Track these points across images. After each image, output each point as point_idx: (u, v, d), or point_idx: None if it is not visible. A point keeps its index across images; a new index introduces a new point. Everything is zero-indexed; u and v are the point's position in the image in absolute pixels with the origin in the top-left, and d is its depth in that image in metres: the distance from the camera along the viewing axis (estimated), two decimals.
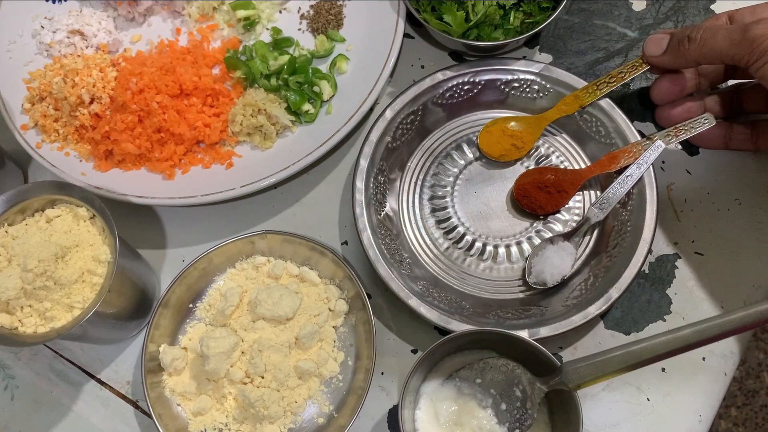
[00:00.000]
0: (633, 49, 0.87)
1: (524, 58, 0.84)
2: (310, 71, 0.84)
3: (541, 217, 0.80)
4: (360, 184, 0.78)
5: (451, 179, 0.82)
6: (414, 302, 0.72)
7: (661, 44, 0.73)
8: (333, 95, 0.83)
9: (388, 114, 0.80)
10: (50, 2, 0.91)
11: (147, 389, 0.71)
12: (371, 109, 0.84)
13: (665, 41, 0.72)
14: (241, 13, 0.86)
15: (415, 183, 0.83)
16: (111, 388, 0.77)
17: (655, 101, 0.78)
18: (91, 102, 0.80)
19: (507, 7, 0.81)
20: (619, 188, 0.76)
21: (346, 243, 0.82)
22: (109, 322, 0.71)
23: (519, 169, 0.82)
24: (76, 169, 0.80)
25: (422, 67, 0.88)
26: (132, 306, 0.74)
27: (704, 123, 0.76)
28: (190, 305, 0.78)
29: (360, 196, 0.77)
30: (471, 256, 0.79)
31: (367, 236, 0.75)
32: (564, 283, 0.76)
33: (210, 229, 0.83)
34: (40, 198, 0.69)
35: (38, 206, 0.70)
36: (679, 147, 0.82)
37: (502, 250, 0.79)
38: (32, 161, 0.87)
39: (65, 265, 0.64)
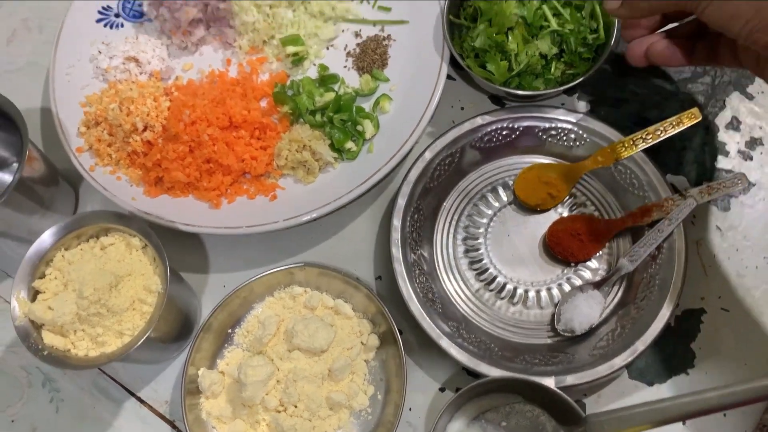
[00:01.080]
0: (669, 101, 0.89)
1: (562, 105, 0.86)
2: (354, 109, 0.87)
3: (572, 264, 0.82)
4: (397, 222, 0.80)
5: (485, 221, 0.85)
6: (445, 343, 0.75)
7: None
8: (375, 134, 0.86)
9: (428, 155, 0.83)
10: (108, 28, 0.95)
11: (185, 411, 0.74)
12: (411, 149, 0.86)
13: None
14: (291, 49, 0.90)
15: (450, 223, 0.85)
16: (150, 407, 0.80)
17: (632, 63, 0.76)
18: (144, 129, 0.84)
19: (549, 58, 0.83)
20: (650, 242, 0.78)
21: (380, 278, 0.84)
22: (154, 346, 0.75)
23: (553, 215, 0.84)
24: (127, 194, 0.83)
25: (462, 108, 0.91)
26: (176, 330, 0.77)
27: (737, 183, 0.78)
28: (229, 330, 0.82)
29: (396, 235, 0.80)
30: (501, 298, 0.81)
31: (402, 274, 0.78)
32: (591, 331, 0.78)
33: (251, 257, 0.86)
34: (96, 226, 0.72)
35: (93, 232, 0.74)
36: (711, 203, 0.84)
37: (532, 295, 0.81)
38: (84, 181, 0.91)
39: (118, 294, 0.68)
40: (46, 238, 0.70)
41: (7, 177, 0.88)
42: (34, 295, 0.70)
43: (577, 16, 0.81)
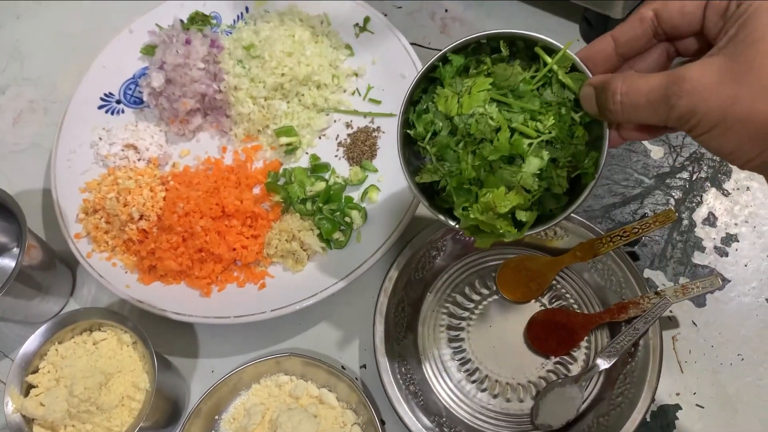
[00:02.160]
0: (649, 196, 0.92)
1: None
2: (344, 200, 0.90)
3: (550, 358, 0.84)
4: (380, 316, 0.83)
5: (467, 313, 0.87)
6: None
7: (591, 101, 0.57)
8: (362, 225, 0.89)
9: (410, 249, 0.86)
10: (109, 114, 0.99)
11: None
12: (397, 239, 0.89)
13: (593, 101, 0.57)
14: (284, 140, 0.93)
15: (433, 313, 0.88)
16: None
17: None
18: (140, 219, 0.87)
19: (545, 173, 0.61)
20: (625, 339, 0.80)
21: (365, 366, 0.87)
22: None
23: (534, 307, 0.87)
24: (121, 281, 0.86)
25: None
26: (165, 417, 0.80)
27: (711, 284, 0.80)
28: (216, 417, 0.84)
29: (380, 327, 0.82)
30: (483, 390, 0.84)
31: (385, 369, 0.80)
32: (568, 426, 0.80)
33: (240, 343, 0.89)
34: (90, 321, 0.75)
35: (86, 326, 0.76)
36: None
37: (512, 387, 0.83)
38: (80, 264, 0.94)
39: (107, 391, 0.70)
40: (40, 333, 0.73)
41: (6, 262, 0.91)
42: (27, 388, 0.73)
43: (553, 109, 0.61)
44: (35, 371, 0.74)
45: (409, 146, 0.68)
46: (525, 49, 0.63)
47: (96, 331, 0.76)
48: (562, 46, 0.59)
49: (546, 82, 0.61)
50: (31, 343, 0.73)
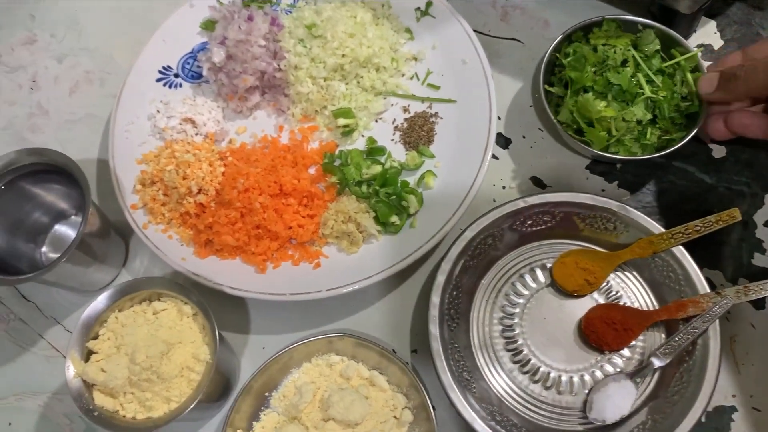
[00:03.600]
0: (708, 194, 0.90)
1: (603, 191, 0.88)
2: (399, 184, 0.90)
3: (606, 352, 0.83)
4: (435, 299, 0.82)
5: (522, 302, 0.87)
6: (479, 426, 0.76)
7: (711, 83, 0.80)
8: (419, 210, 0.88)
9: (468, 234, 0.85)
10: (167, 87, 0.99)
11: None
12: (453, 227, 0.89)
13: (715, 79, 0.80)
14: (342, 121, 0.93)
15: (487, 301, 0.87)
16: None
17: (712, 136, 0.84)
18: (198, 192, 0.87)
19: (644, 123, 0.86)
20: (683, 338, 0.79)
21: (415, 351, 0.86)
22: (197, 409, 0.77)
23: (588, 302, 0.86)
24: (177, 254, 0.87)
25: (503, 188, 0.94)
26: (218, 392, 0.80)
27: None
28: (267, 394, 0.84)
29: (434, 311, 0.82)
30: (535, 382, 0.83)
31: (438, 352, 0.80)
32: (622, 421, 0.79)
33: (290, 321, 0.89)
34: (150, 290, 0.75)
35: (146, 295, 0.77)
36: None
37: (565, 379, 0.83)
38: (134, 235, 0.94)
39: (168, 361, 0.70)
40: (102, 300, 0.74)
41: (63, 229, 0.92)
42: (87, 354, 0.73)
43: (669, 83, 0.85)
44: (95, 337, 0.74)
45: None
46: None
47: (155, 301, 0.76)
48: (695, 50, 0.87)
49: (673, 70, 0.88)
50: (93, 309, 0.73)
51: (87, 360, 0.73)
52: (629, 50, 0.88)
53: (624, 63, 0.87)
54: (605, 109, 0.84)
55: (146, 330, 0.72)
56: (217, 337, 0.70)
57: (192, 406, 0.68)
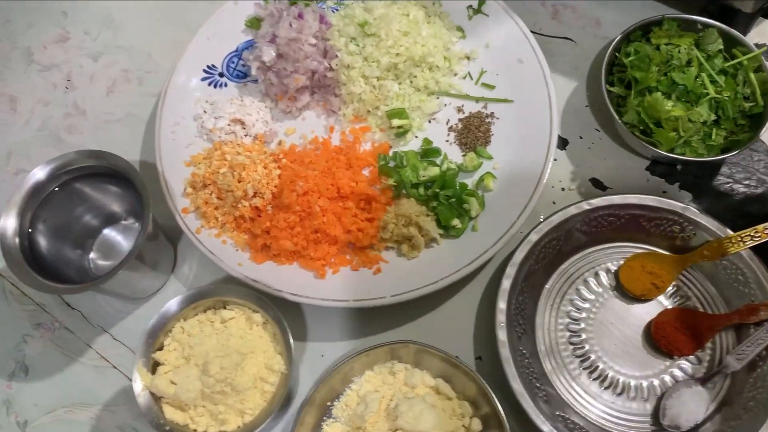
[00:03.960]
0: None
1: (664, 193, 0.87)
2: (458, 186, 0.87)
3: (675, 357, 0.82)
4: (502, 304, 0.80)
5: (587, 306, 0.85)
6: (547, 429, 0.74)
7: None
8: (480, 213, 0.86)
9: (533, 237, 0.83)
10: (212, 87, 0.96)
11: None
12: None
13: None
14: (396, 122, 0.91)
15: (552, 306, 0.85)
16: None
17: None
18: (254, 196, 0.85)
19: (708, 124, 0.84)
20: (757, 342, 0.78)
21: (480, 358, 0.84)
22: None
23: (655, 306, 0.84)
24: (233, 259, 0.84)
25: (562, 189, 0.92)
26: (282, 403, 0.77)
27: None
28: (329, 403, 0.81)
29: (502, 317, 0.80)
30: (605, 388, 0.81)
31: (507, 358, 0.78)
32: (695, 428, 0.78)
33: (348, 327, 0.86)
34: (216, 298, 0.72)
35: (210, 304, 0.74)
36: None
37: (634, 385, 0.81)
38: (181, 238, 0.92)
39: (242, 372, 0.68)
40: (171, 308, 0.71)
41: (113, 234, 0.89)
42: (153, 366, 0.70)
43: (732, 83, 0.84)
44: (160, 348, 0.71)
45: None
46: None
47: (221, 309, 0.73)
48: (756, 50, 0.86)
49: (735, 70, 0.86)
50: (160, 318, 0.70)
51: (153, 372, 0.70)
52: (693, 50, 0.86)
53: (688, 63, 0.86)
54: (674, 108, 0.82)
55: (216, 340, 0.69)
56: (292, 347, 0.67)
57: (269, 419, 0.65)
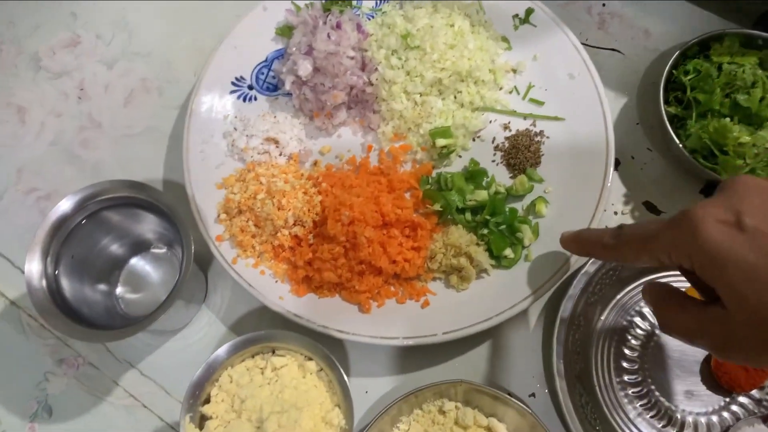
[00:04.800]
0: None
1: None
2: (508, 212, 0.83)
3: (735, 393, 0.79)
4: (559, 339, 0.77)
5: (644, 339, 0.81)
6: None
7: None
8: (533, 241, 0.82)
9: (590, 269, 0.79)
10: (241, 101, 0.90)
11: None
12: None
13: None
14: (441, 142, 0.85)
15: (607, 339, 0.81)
16: None
17: None
18: (294, 224, 0.79)
19: None
20: None
21: (533, 395, 0.80)
22: None
23: None
24: (273, 292, 0.78)
25: (615, 213, 0.87)
26: None
27: None
28: None
29: (559, 352, 0.76)
30: (664, 426, 0.78)
31: (564, 393, 0.74)
32: None
33: (394, 363, 0.82)
34: (266, 344, 0.67)
35: (258, 349, 0.69)
36: None
37: (692, 421, 0.78)
38: (213, 263, 0.86)
39: (299, 428, 0.63)
40: (218, 358, 0.65)
41: (141, 264, 0.83)
42: (199, 420, 0.65)
43: None
44: (207, 400, 0.66)
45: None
46: None
47: (270, 354, 0.68)
48: None
49: None
50: (207, 368, 0.65)
51: (201, 427, 0.65)
52: (757, 70, 0.82)
53: (753, 83, 0.81)
54: (741, 134, 0.78)
55: (268, 391, 0.64)
56: (351, 399, 0.63)
57: None
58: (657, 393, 0.79)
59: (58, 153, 0.93)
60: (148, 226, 0.80)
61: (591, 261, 0.79)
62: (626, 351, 0.81)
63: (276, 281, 0.80)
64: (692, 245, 0.50)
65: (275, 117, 0.87)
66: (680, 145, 0.81)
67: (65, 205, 0.71)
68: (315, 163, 0.88)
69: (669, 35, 0.94)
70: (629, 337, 0.81)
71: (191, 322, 0.83)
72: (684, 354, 0.81)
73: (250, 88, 0.90)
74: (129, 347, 0.83)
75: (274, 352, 0.69)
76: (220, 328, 0.83)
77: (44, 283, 0.67)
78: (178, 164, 0.84)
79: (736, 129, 0.79)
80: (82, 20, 1.00)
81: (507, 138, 0.88)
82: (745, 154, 0.79)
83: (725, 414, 0.79)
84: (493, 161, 0.88)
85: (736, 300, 0.48)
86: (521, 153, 0.86)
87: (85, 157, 0.92)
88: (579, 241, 0.68)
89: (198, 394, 0.65)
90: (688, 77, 0.84)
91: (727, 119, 0.79)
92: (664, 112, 0.83)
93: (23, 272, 0.68)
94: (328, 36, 0.84)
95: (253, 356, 0.69)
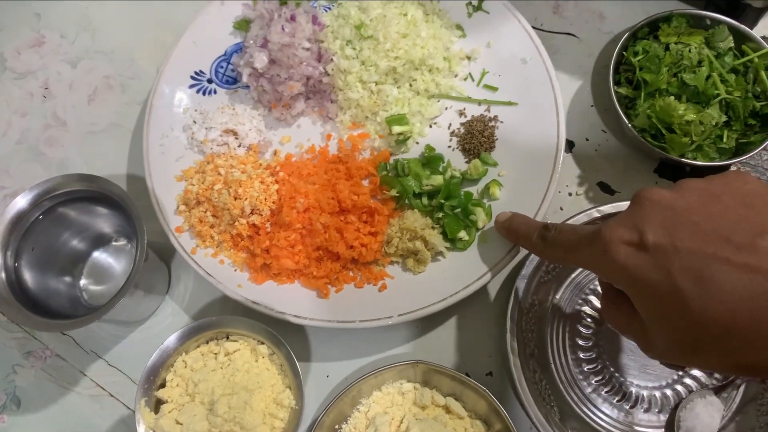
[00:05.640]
0: None
1: None
2: (463, 195, 0.84)
3: (687, 366, 0.80)
4: (513, 318, 0.78)
5: (599, 318, 0.83)
6: None
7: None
8: (487, 223, 0.83)
9: None
10: (201, 94, 0.91)
11: None
12: None
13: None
14: (397, 129, 0.87)
15: (562, 318, 0.83)
16: None
17: None
18: (251, 213, 0.81)
19: (719, 127, 0.82)
20: None
21: (490, 374, 0.82)
22: None
23: None
24: (232, 281, 0.80)
25: (569, 194, 0.89)
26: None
27: None
28: (336, 426, 0.79)
29: (512, 331, 0.78)
30: (618, 401, 0.80)
31: (518, 371, 0.76)
32: None
33: (353, 346, 0.84)
34: (221, 329, 0.69)
35: (212, 334, 0.70)
36: None
37: (646, 395, 0.80)
38: (175, 257, 0.88)
39: (251, 410, 0.65)
40: (171, 343, 0.67)
41: (103, 256, 0.85)
42: (155, 404, 0.67)
43: (742, 82, 0.81)
44: (163, 385, 0.67)
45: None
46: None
47: (224, 340, 0.69)
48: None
49: (745, 68, 0.84)
50: (160, 354, 0.67)
51: (156, 410, 0.66)
52: (704, 49, 0.83)
53: (699, 62, 0.83)
54: (686, 112, 0.80)
55: (221, 375, 0.66)
56: (301, 380, 0.65)
57: None
58: (612, 369, 0.81)
59: (24, 151, 0.94)
60: (108, 220, 0.81)
61: None
62: (581, 329, 0.82)
63: (235, 270, 0.82)
64: (604, 265, 0.53)
65: (234, 109, 0.89)
66: (630, 125, 0.83)
67: (21, 202, 0.72)
68: (275, 153, 0.89)
69: (623, 18, 0.95)
70: (584, 316, 0.83)
71: (155, 313, 0.85)
72: None
73: (210, 81, 0.92)
74: (96, 338, 0.84)
75: (228, 338, 0.70)
76: (183, 317, 0.84)
77: (3, 275, 0.69)
78: (141, 159, 0.86)
79: (682, 107, 0.80)
80: (46, 20, 1.01)
81: (462, 124, 0.90)
82: (691, 132, 0.80)
83: (678, 387, 0.80)
84: (449, 147, 0.89)
85: (646, 315, 0.51)
86: (476, 138, 0.88)
87: (51, 155, 0.94)
88: (509, 230, 0.72)
89: (153, 379, 0.66)
90: (637, 58, 0.85)
91: (672, 97, 0.80)
92: (614, 93, 0.84)
93: None
94: (282, 28, 0.86)
95: (207, 342, 0.70)
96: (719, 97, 0.81)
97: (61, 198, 0.73)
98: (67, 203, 0.75)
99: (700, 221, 0.49)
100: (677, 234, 0.49)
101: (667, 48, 0.84)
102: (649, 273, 0.50)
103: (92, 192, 0.72)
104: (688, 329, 0.48)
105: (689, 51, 0.83)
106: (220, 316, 0.67)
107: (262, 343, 0.68)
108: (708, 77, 0.81)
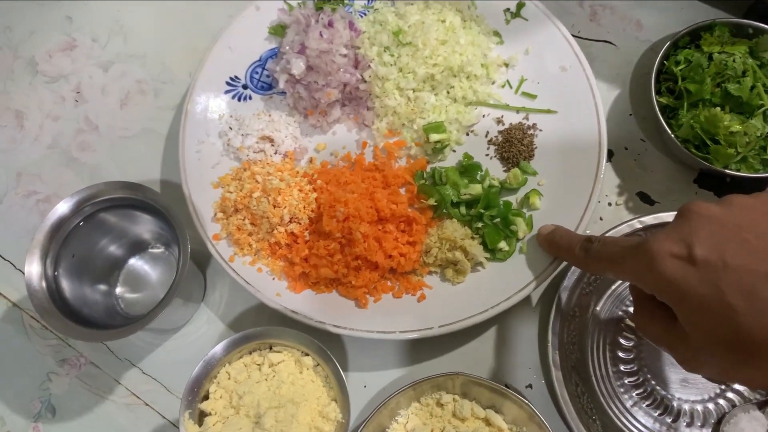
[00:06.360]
0: None
1: None
2: (502, 205, 0.83)
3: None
4: (554, 330, 0.77)
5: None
6: None
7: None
8: (528, 233, 0.82)
9: None
10: (236, 100, 0.90)
11: None
12: None
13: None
14: (434, 137, 0.86)
15: (603, 330, 0.82)
16: None
17: None
18: (290, 221, 0.80)
19: (763, 136, 0.81)
20: None
21: (530, 386, 0.81)
22: None
23: None
24: (270, 289, 0.79)
25: (609, 204, 0.88)
26: None
27: None
28: None
29: (554, 343, 0.77)
30: (660, 414, 0.79)
31: (560, 383, 0.75)
32: None
33: (391, 356, 0.83)
34: (265, 340, 0.68)
35: (255, 345, 0.69)
36: None
37: (688, 409, 0.79)
38: (211, 262, 0.87)
39: (297, 423, 0.64)
40: (215, 355, 0.66)
41: (140, 264, 0.84)
42: (199, 416, 0.66)
43: None
44: (206, 397, 0.67)
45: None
46: None
47: (267, 351, 0.69)
48: None
49: None
50: (205, 365, 0.66)
51: (200, 423, 0.65)
52: (748, 59, 0.82)
53: (743, 72, 0.82)
54: (732, 123, 0.79)
55: (266, 387, 0.65)
56: (347, 393, 0.64)
57: None
58: (653, 382, 0.80)
59: (57, 156, 0.93)
60: (146, 226, 0.80)
61: None
62: (622, 341, 0.81)
63: (273, 278, 0.81)
64: (649, 278, 0.53)
65: (270, 116, 0.88)
66: (672, 135, 0.82)
67: (63, 208, 0.72)
68: (310, 161, 0.88)
69: (661, 26, 0.94)
70: (625, 327, 0.82)
71: (191, 321, 0.84)
72: None
73: (245, 87, 0.91)
74: (130, 346, 0.84)
75: (271, 348, 0.70)
76: (218, 325, 0.84)
77: (44, 284, 0.68)
78: (175, 165, 0.85)
79: (727, 118, 0.79)
80: (78, 24, 1.00)
81: (500, 132, 0.89)
82: (736, 143, 0.79)
83: (721, 401, 0.79)
84: (487, 155, 0.88)
85: (692, 328, 0.51)
86: (514, 146, 0.87)
87: (83, 160, 0.93)
88: (551, 243, 0.71)
89: (196, 391, 0.66)
90: (679, 67, 0.84)
91: (718, 108, 0.79)
92: (655, 102, 0.83)
93: (24, 274, 0.69)
94: (320, 34, 0.85)
95: (250, 353, 0.69)
96: (763, 108, 0.80)
97: (101, 205, 0.73)
98: (108, 209, 0.74)
99: (750, 238, 0.49)
100: (727, 249, 0.49)
101: (710, 57, 0.83)
102: (698, 287, 0.49)
103: (136, 201, 0.71)
104: (736, 344, 0.48)
105: (733, 61, 0.81)
106: (266, 327, 0.66)
107: (307, 355, 0.67)
108: (752, 87, 0.80)
